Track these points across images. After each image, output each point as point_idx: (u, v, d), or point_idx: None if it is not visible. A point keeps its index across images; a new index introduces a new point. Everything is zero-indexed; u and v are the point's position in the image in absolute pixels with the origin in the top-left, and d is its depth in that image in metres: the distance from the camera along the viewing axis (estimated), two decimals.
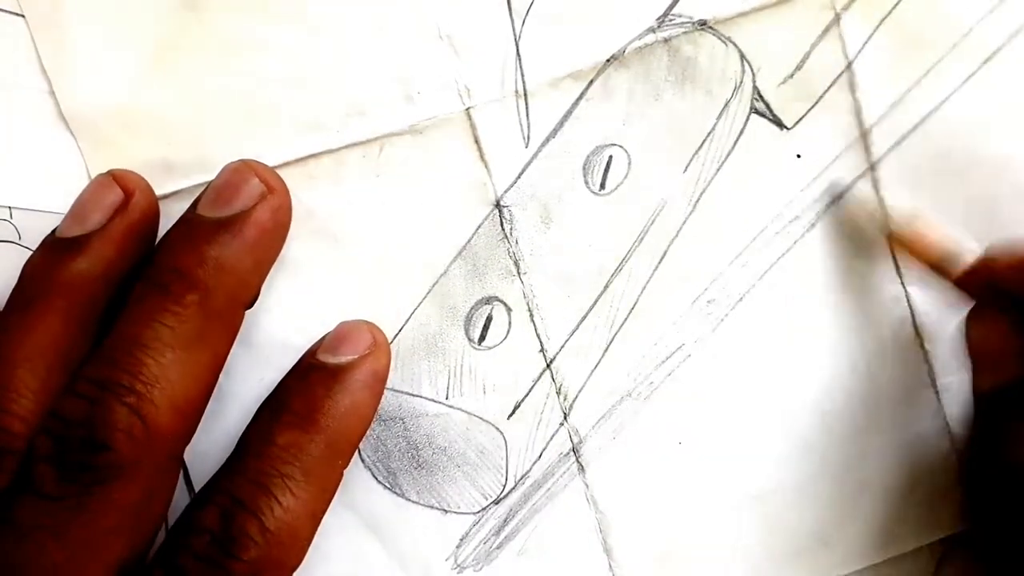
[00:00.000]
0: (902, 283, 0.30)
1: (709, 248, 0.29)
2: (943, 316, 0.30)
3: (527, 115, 0.28)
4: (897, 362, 0.30)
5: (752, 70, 0.29)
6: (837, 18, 0.29)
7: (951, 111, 0.29)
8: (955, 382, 0.30)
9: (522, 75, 0.28)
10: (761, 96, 0.29)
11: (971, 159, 0.29)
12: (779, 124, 0.29)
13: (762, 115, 0.29)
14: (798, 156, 0.29)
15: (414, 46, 0.27)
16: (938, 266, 0.28)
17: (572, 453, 0.29)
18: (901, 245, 0.29)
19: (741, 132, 0.29)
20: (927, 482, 0.30)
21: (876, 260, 0.30)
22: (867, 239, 0.29)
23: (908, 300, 0.30)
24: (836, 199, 0.29)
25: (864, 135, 0.29)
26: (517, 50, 0.28)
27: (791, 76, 0.29)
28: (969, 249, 0.28)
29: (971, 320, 0.29)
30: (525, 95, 0.28)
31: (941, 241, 0.28)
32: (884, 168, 0.29)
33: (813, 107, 0.29)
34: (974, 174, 0.29)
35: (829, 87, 0.29)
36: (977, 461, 0.29)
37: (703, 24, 0.28)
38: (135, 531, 0.24)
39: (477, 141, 0.28)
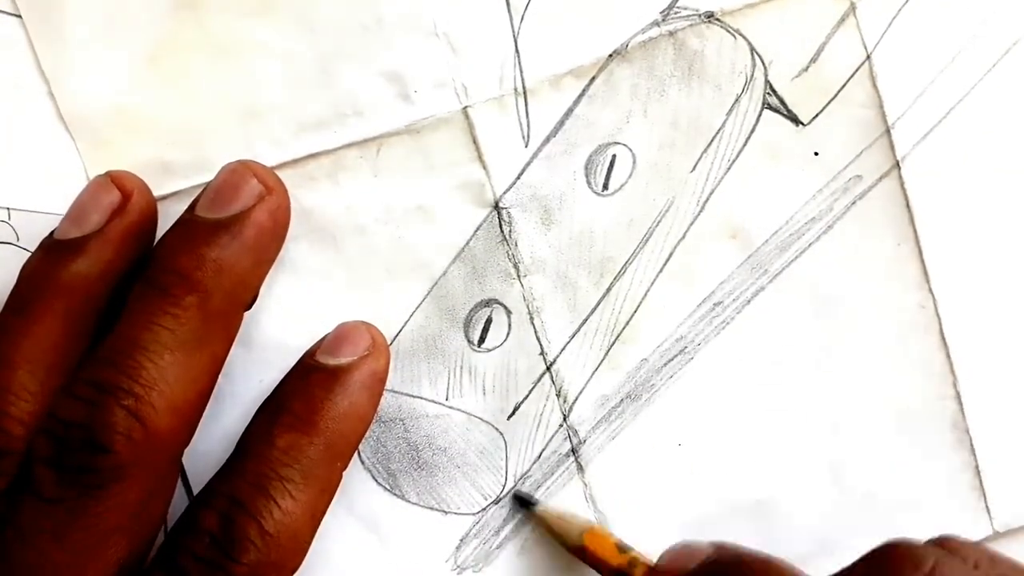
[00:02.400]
0: (930, 290, 0.28)
1: (718, 250, 0.28)
2: (974, 326, 0.29)
3: (526, 114, 0.27)
4: (919, 372, 0.29)
5: (764, 63, 0.27)
6: (853, 7, 0.27)
7: (979, 101, 0.28)
8: (978, 391, 0.29)
9: (521, 72, 0.27)
10: (774, 91, 0.28)
11: (1001, 153, 0.28)
12: (795, 120, 0.28)
13: (776, 111, 0.28)
14: (815, 154, 0.28)
15: (410, 44, 0.27)
16: (621, 572, 0.27)
17: (571, 453, 0.29)
18: (587, 550, 0.28)
19: (753, 129, 0.28)
20: (940, 494, 0.29)
21: (902, 265, 0.28)
22: (897, 239, 0.28)
23: (936, 308, 0.29)
24: (858, 199, 0.28)
25: (889, 131, 0.28)
26: (516, 47, 0.27)
27: (806, 69, 0.28)
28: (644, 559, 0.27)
29: None
30: (524, 93, 0.27)
31: (616, 553, 0.28)
32: (909, 165, 0.28)
33: (831, 101, 0.28)
34: (1005, 169, 0.28)
35: (848, 80, 0.28)
36: None
37: (710, 16, 0.27)
38: (135, 533, 0.25)
39: (475, 141, 0.27)
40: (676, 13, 0.27)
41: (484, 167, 0.28)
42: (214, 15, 0.27)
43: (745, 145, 0.28)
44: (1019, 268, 0.29)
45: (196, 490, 0.26)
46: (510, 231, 0.28)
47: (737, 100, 0.28)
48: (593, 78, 0.27)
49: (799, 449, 0.29)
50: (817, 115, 0.28)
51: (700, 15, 0.27)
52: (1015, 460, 0.29)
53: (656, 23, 0.27)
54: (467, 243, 0.28)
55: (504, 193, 0.28)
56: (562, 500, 0.29)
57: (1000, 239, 0.29)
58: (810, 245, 0.28)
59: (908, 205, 0.28)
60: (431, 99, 0.27)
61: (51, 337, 0.25)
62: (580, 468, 0.29)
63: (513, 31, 0.27)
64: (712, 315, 0.28)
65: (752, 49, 0.27)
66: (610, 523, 0.29)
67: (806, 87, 0.28)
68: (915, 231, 0.28)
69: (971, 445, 0.29)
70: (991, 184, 0.28)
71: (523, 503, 0.29)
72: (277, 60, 0.27)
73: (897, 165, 0.28)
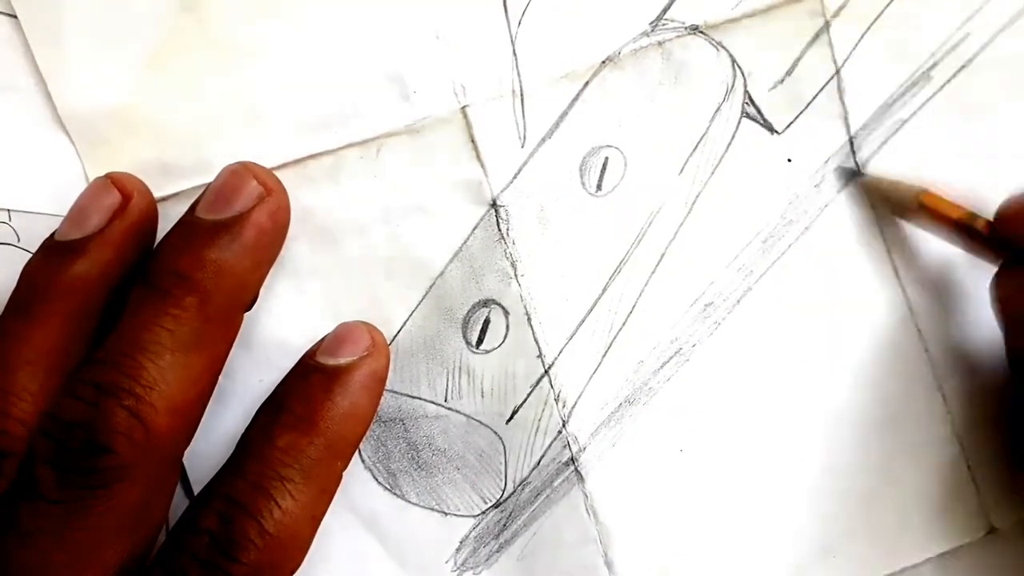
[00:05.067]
0: (901, 285, 0.30)
1: (706, 251, 0.29)
2: (943, 318, 0.30)
3: (523, 115, 0.28)
4: (900, 366, 0.30)
5: (743, 75, 0.29)
6: (827, 25, 0.29)
7: (932, 115, 0.30)
8: (959, 385, 0.30)
9: (518, 75, 0.28)
10: (752, 100, 0.29)
11: (952, 162, 0.30)
12: (770, 129, 0.29)
13: (753, 119, 0.29)
14: (789, 160, 0.29)
15: (411, 46, 0.28)
16: (963, 224, 0.28)
17: (571, 462, 0.29)
18: (926, 209, 0.28)
19: (734, 136, 0.29)
20: (936, 491, 0.30)
21: (874, 262, 0.30)
22: (864, 239, 0.30)
23: (908, 303, 0.30)
24: (829, 202, 0.30)
25: (851, 140, 0.29)
26: (513, 50, 0.28)
27: (781, 82, 0.29)
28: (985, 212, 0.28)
29: (998, 280, 0.28)
30: (521, 95, 0.28)
31: (962, 199, 0.28)
32: (870, 170, 0.30)
33: (802, 112, 0.29)
34: (956, 176, 0.30)
35: (818, 93, 0.29)
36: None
37: (695, 29, 0.29)
38: (135, 533, 0.24)
39: (473, 140, 0.28)
40: (664, 25, 0.29)
41: (482, 166, 0.28)
42: (214, 15, 0.27)
43: (727, 151, 0.29)
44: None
45: (197, 490, 0.26)
46: (507, 229, 0.28)
47: (719, 108, 0.29)
48: (587, 83, 0.29)
49: (797, 451, 0.30)
50: (790, 124, 0.29)
51: (686, 27, 0.29)
52: (1003, 450, 0.30)
53: (646, 33, 0.29)
54: (465, 241, 0.28)
55: (501, 192, 0.28)
56: (562, 510, 0.29)
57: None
58: (790, 246, 0.30)
59: (872, 206, 0.30)
60: (430, 100, 0.28)
61: (52, 338, 0.24)
62: (580, 478, 0.29)
63: (511, 35, 0.28)
64: (704, 315, 0.29)
65: (733, 61, 0.29)
66: (611, 534, 0.29)
67: (781, 98, 0.29)
68: (880, 231, 0.30)
69: (959, 439, 0.30)
70: (944, 182, 0.30)
71: (849, 175, 0.28)
72: (277, 61, 0.27)
73: (859, 171, 0.30)
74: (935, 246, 0.30)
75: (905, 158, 0.30)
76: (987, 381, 0.30)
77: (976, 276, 0.30)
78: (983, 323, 0.30)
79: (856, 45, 0.29)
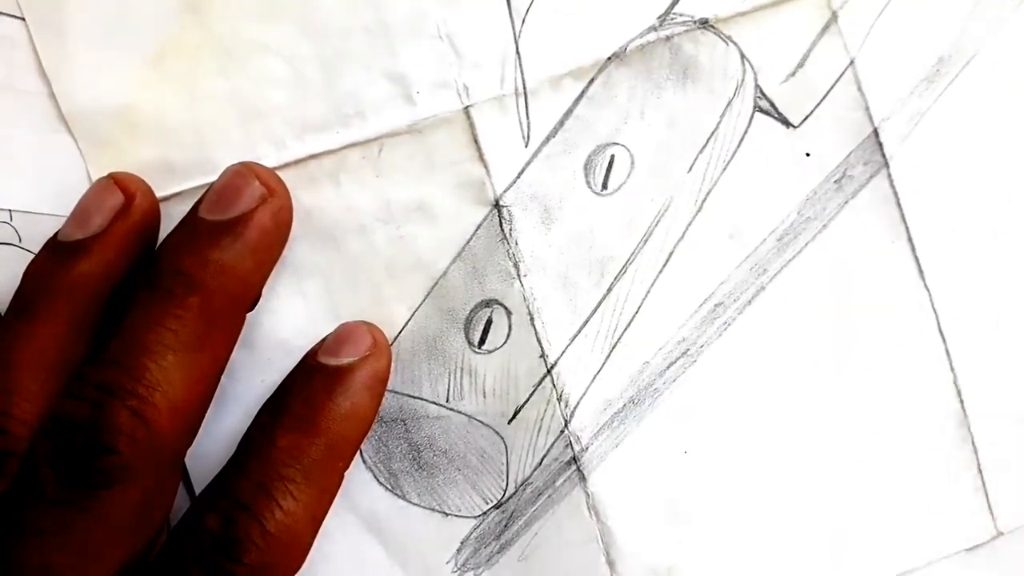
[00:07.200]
0: (926, 287, 0.29)
1: (716, 250, 0.29)
2: (970, 320, 0.29)
3: (527, 114, 0.28)
4: (919, 370, 0.29)
5: (753, 69, 0.28)
6: (835, 16, 0.28)
7: (955, 100, 0.29)
8: (981, 389, 0.29)
9: (522, 73, 0.28)
10: (764, 94, 0.28)
11: (981, 147, 0.29)
12: (785, 122, 0.28)
13: (767, 113, 0.28)
14: (807, 155, 0.29)
15: (413, 46, 0.27)
16: None
17: (573, 462, 0.29)
18: None
19: (746, 131, 0.28)
20: (948, 495, 0.29)
21: (897, 262, 0.29)
22: (888, 238, 0.29)
23: (932, 304, 0.29)
24: (850, 198, 0.29)
25: (876, 131, 0.29)
26: (517, 48, 0.28)
27: (793, 74, 0.28)
28: None
29: None
30: (525, 93, 0.28)
31: None
32: (897, 163, 0.29)
33: (819, 105, 0.28)
34: (985, 162, 0.29)
35: (833, 84, 0.28)
36: None
37: (704, 23, 0.28)
38: (137, 533, 0.24)
39: (476, 140, 0.28)
40: (672, 19, 0.28)
41: (485, 166, 0.28)
42: (218, 17, 0.27)
43: (739, 146, 0.28)
44: (1012, 260, 0.29)
45: (199, 490, 0.26)
46: (510, 229, 0.28)
47: (729, 103, 0.28)
48: (592, 80, 0.28)
49: (804, 454, 0.29)
50: (807, 117, 0.28)
51: (695, 21, 0.28)
52: (1018, 458, 0.29)
53: (653, 28, 0.28)
54: (467, 242, 0.28)
55: (504, 192, 0.28)
56: (564, 510, 0.29)
57: (990, 231, 0.29)
58: (807, 244, 0.29)
59: (899, 202, 0.29)
60: (433, 99, 0.28)
61: (54, 338, 0.25)
62: (582, 477, 0.29)
63: (514, 33, 0.28)
64: (713, 316, 0.29)
65: (742, 55, 0.28)
66: (613, 534, 0.29)
67: (795, 91, 0.28)
68: (907, 227, 0.29)
69: (973, 443, 0.29)
70: (977, 177, 0.29)
71: None
72: (280, 62, 0.27)
73: (886, 164, 0.29)
74: (968, 244, 0.29)
75: (935, 148, 0.29)
76: (1010, 386, 0.29)
77: (1008, 280, 0.29)
78: (1012, 328, 0.29)
79: (868, 33, 0.28)
